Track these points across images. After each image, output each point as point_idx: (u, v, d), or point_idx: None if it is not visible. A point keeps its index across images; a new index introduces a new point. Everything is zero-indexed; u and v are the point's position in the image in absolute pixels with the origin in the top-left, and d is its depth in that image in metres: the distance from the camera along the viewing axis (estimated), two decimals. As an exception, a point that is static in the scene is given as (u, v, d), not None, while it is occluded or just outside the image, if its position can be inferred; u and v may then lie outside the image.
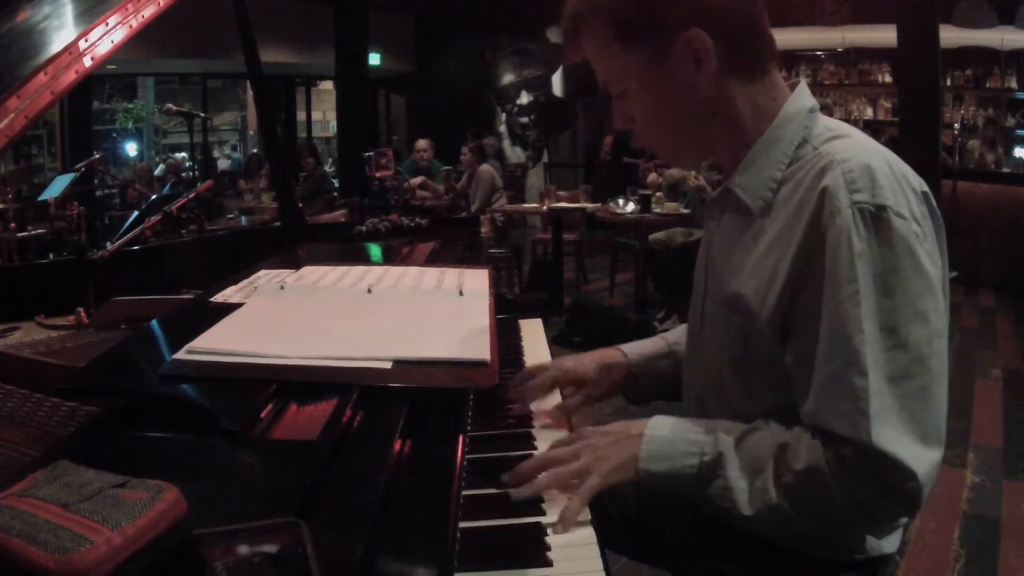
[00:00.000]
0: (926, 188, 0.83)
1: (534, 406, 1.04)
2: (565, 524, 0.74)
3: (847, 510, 0.78)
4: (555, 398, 1.08)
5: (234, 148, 13.88)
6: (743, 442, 0.84)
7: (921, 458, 0.76)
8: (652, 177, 5.59)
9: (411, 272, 1.44)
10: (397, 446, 0.78)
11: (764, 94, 0.89)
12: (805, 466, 0.79)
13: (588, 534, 0.76)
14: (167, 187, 7.39)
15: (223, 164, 12.51)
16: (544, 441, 0.95)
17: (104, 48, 1.16)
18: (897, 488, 0.76)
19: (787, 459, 0.80)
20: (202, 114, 5.97)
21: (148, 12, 1.27)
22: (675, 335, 1.19)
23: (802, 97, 0.89)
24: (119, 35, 1.19)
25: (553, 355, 1.31)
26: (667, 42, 0.84)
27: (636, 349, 1.15)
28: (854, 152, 0.81)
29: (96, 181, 7.88)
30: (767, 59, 0.89)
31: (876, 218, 0.77)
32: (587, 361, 1.11)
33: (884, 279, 0.76)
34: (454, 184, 6.29)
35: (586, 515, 0.79)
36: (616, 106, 0.93)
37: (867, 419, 0.75)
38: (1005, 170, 6.93)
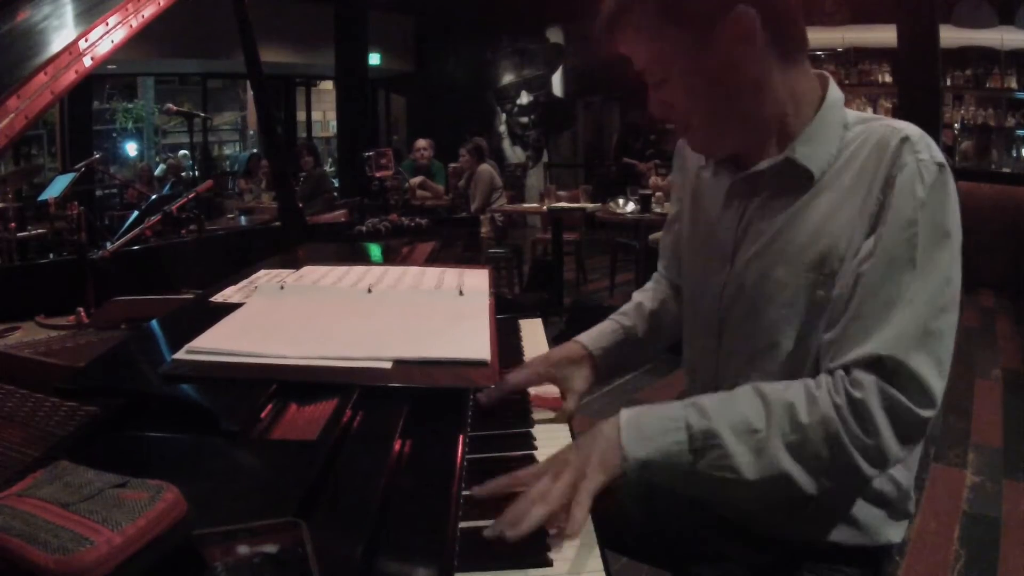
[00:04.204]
0: None
1: (535, 391, 1.07)
2: (573, 533, 0.73)
3: (856, 454, 0.80)
4: (553, 390, 1.08)
5: (244, 150, 13.85)
6: (729, 405, 0.83)
7: (939, 389, 0.81)
8: (653, 180, 5.59)
9: (411, 272, 1.44)
10: (397, 446, 0.78)
11: (801, 80, 0.91)
12: (814, 419, 0.80)
13: (588, 534, 0.76)
14: (167, 187, 7.39)
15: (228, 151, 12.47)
16: (544, 442, 0.96)
17: (104, 48, 1.16)
18: (913, 414, 0.80)
19: (793, 416, 0.81)
20: (202, 114, 5.97)
21: (148, 12, 1.27)
22: (628, 318, 1.19)
23: (836, 87, 0.94)
24: (119, 35, 1.19)
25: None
26: (715, 20, 0.85)
27: (596, 342, 1.15)
28: (906, 123, 0.88)
29: (97, 180, 7.88)
30: (803, 47, 0.92)
31: (938, 172, 0.84)
32: (556, 363, 1.09)
33: (940, 225, 0.83)
34: (457, 182, 6.29)
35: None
36: (653, 93, 0.93)
37: (909, 340, 0.80)
38: (1005, 170, 6.93)
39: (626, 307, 1.22)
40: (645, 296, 1.22)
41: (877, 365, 0.80)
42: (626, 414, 0.85)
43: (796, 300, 0.90)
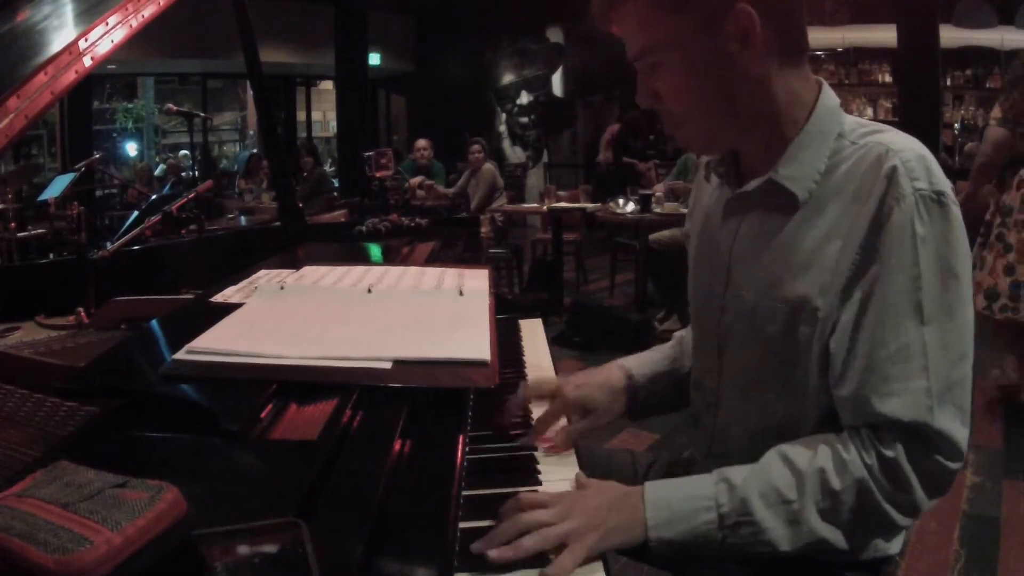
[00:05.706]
0: None
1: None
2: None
3: (891, 509, 0.80)
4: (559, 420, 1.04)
5: (244, 150, 13.84)
6: (759, 479, 0.81)
7: (965, 438, 0.80)
8: (657, 185, 5.59)
9: (411, 272, 1.44)
10: (397, 446, 0.78)
11: (800, 82, 0.88)
12: (846, 483, 0.79)
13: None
14: (167, 187, 7.39)
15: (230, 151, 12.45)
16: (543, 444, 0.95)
17: (104, 48, 1.16)
18: (944, 470, 0.80)
19: (825, 483, 0.80)
20: (202, 114, 5.96)
21: (148, 12, 1.27)
22: (676, 349, 1.17)
23: (831, 93, 0.90)
24: (119, 35, 1.19)
25: (553, 355, 1.31)
26: (715, 14, 0.82)
27: (641, 369, 1.13)
28: (905, 143, 0.83)
29: (97, 180, 7.88)
30: (803, 50, 0.89)
31: (938, 204, 0.79)
32: (593, 388, 1.08)
33: (944, 264, 0.79)
34: (444, 191, 6.30)
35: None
36: (643, 80, 0.90)
37: (931, 400, 0.78)
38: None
39: (671, 342, 1.19)
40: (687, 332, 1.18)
41: (903, 429, 0.79)
42: (652, 492, 0.81)
43: (780, 335, 0.88)
